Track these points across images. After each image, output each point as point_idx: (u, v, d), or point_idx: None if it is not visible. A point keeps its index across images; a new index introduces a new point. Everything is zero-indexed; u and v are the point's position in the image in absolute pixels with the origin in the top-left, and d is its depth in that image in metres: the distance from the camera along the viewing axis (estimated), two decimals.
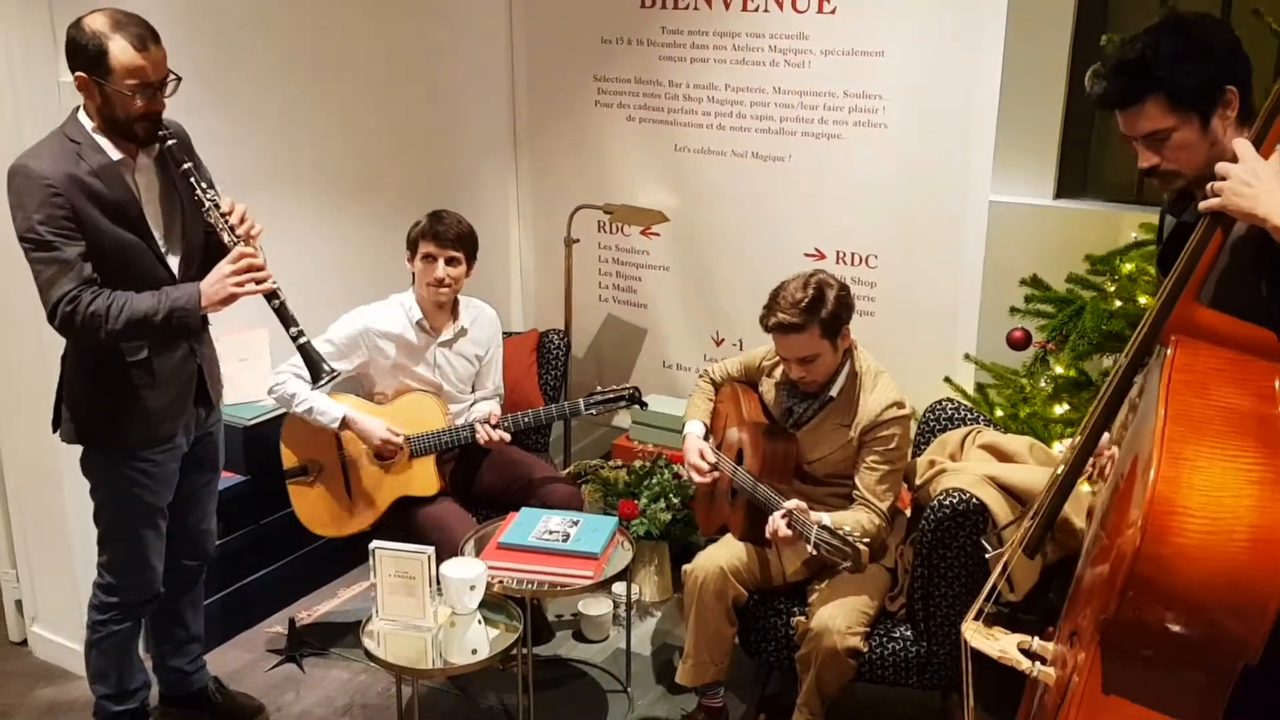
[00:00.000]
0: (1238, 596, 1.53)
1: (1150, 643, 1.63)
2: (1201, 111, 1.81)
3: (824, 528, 2.55)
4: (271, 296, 2.48)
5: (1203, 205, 1.74)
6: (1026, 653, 1.94)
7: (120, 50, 2.32)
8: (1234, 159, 1.72)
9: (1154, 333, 1.79)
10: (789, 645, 2.84)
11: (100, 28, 2.32)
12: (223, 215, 2.46)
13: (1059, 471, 1.98)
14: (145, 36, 2.35)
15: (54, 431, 2.66)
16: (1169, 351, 1.74)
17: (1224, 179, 1.71)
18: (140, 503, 2.65)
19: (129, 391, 2.54)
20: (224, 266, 2.45)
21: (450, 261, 3.22)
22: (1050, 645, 1.94)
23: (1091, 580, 1.84)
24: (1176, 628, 1.58)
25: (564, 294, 4.13)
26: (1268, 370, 1.70)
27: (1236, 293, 1.80)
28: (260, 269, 2.46)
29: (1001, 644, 1.94)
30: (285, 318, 2.50)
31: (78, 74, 2.36)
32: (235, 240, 2.46)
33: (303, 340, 2.52)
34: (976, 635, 1.97)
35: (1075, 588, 2.00)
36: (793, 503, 2.68)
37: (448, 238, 3.21)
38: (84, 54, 2.33)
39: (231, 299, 2.46)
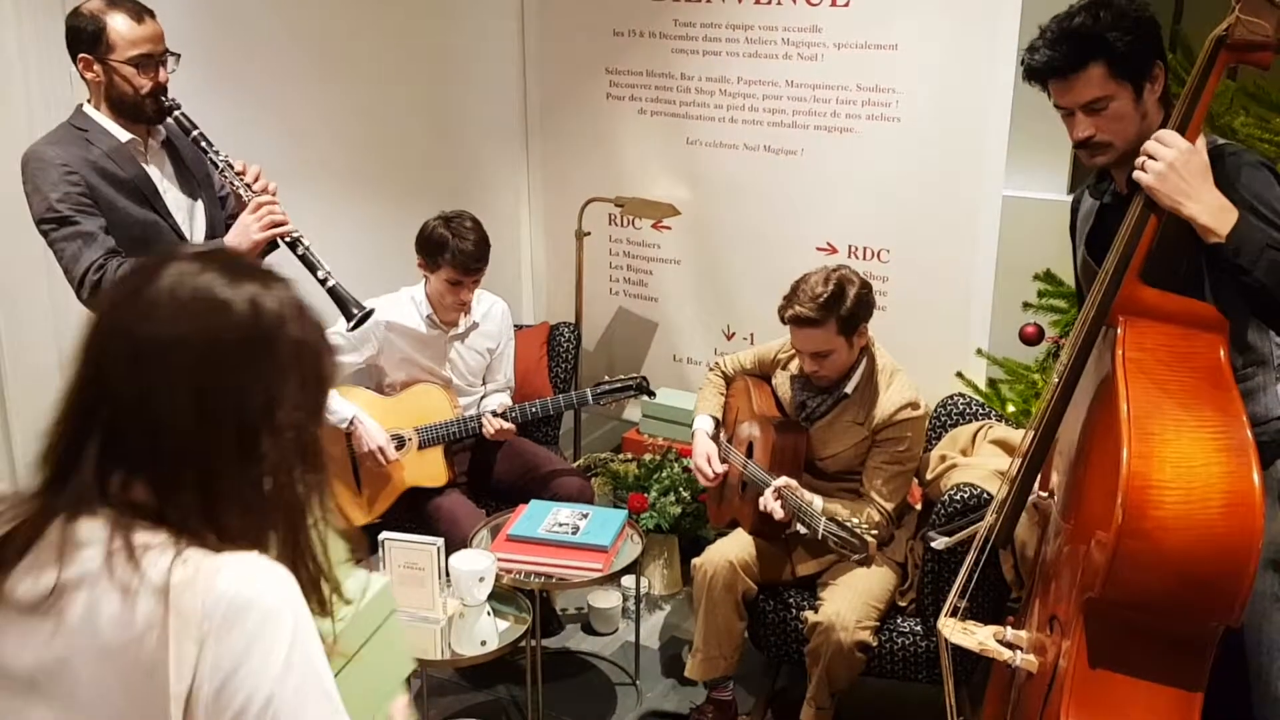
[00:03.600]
0: (1217, 561, 1.59)
1: (1137, 615, 1.67)
2: (1136, 83, 1.92)
3: (832, 520, 2.55)
4: (295, 244, 2.48)
5: (1135, 175, 1.81)
6: (1004, 643, 1.96)
7: (118, 24, 2.38)
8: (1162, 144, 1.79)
9: (1101, 314, 1.84)
10: (798, 639, 2.83)
11: (96, 8, 2.39)
12: (238, 174, 2.50)
13: (1019, 462, 2.00)
14: (141, 10, 2.42)
15: None
16: (1118, 331, 1.80)
17: (1153, 159, 1.78)
18: None
19: None
20: (245, 217, 2.47)
21: (475, 281, 3.22)
22: (1023, 634, 1.96)
23: (1064, 563, 1.88)
24: (1162, 598, 1.63)
25: (575, 287, 4.12)
26: (1212, 342, 1.77)
27: (1161, 273, 1.86)
28: (279, 214, 2.48)
29: (979, 636, 1.97)
30: (311, 263, 2.48)
31: (81, 56, 2.40)
32: (252, 195, 2.49)
33: (331, 283, 2.48)
34: (954, 631, 1.99)
35: (1042, 574, 2.03)
36: (781, 480, 2.69)
37: (475, 265, 3.17)
38: (84, 36, 2.39)
39: (256, 247, 2.45)
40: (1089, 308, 1.86)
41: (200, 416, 1.06)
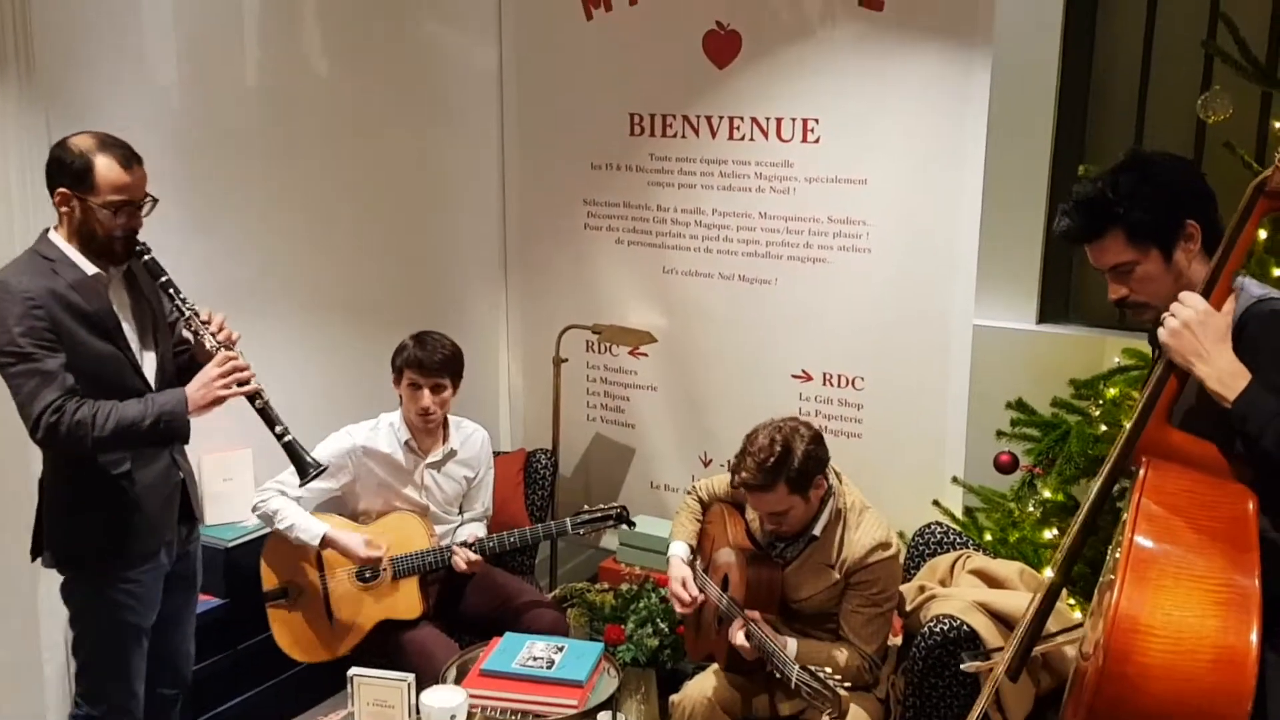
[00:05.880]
0: (1201, 716, 1.53)
1: None
2: (1162, 245, 1.90)
3: (805, 669, 2.47)
4: (255, 397, 2.52)
5: (1159, 330, 1.82)
6: None
7: (106, 168, 2.37)
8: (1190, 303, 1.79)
9: (1125, 453, 1.84)
10: None
11: (86, 146, 2.38)
12: (203, 324, 2.52)
13: (1038, 595, 1.98)
14: (130, 157, 2.42)
15: (34, 560, 2.60)
16: (1141, 473, 1.78)
17: (1172, 316, 1.79)
18: (125, 625, 2.58)
19: (115, 506, 2.51)
20: (210, 370, 2.49)
21: (436, 389, 3.22)
22: None
23: (1072, 706, 1.83)
24: None
25: (552, 413, 4.13)
26: (1241, 493, 1.73)
27: (1205, 422, 1.84)
28: (244, 370, 2.51)
29: None
30: (269, 417, 2.54)
31: (59, 190, 2.40)
32: (217, 346, 2.51)
33: (288, 438, 2.55)
34: None
35: (1061, 716, 1.98)
36: (752, 613, 2.64)
37: (432, 366, 3.19)
38: (68, 171, 2.38)
39: (218, 402, 2.49)
40: (1114, 448, 1.85)
41: None
